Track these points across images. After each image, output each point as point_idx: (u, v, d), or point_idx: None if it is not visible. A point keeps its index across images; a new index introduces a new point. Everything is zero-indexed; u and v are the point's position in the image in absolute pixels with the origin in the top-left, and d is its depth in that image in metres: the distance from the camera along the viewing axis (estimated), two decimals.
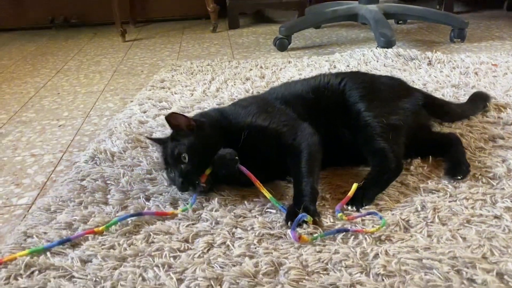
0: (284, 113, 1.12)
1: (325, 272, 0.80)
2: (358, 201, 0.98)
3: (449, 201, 0.99)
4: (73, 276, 0.83)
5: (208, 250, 0.88)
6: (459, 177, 1.04)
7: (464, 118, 1.37)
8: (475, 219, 0.92)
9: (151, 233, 0.92)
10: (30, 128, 1.56)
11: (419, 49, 2.11)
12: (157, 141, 1.16)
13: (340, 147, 1.12)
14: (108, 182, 1.14)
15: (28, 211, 1.08)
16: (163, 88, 1.81)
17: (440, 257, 0.81)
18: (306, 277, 0.79)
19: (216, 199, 1.03)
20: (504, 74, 1.74)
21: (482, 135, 1.26)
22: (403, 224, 0.92)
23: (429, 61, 1.90)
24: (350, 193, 0.99)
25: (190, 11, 3.23)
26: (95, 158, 1.26)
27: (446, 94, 1.57)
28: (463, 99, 1.50)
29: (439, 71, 1.80)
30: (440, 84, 1.67)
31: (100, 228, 0.93)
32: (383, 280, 0.77)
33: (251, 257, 0.84)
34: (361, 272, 0.79)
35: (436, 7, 2.96)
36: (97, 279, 0.81)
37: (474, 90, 1.55)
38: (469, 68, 1.82)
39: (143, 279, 0.81)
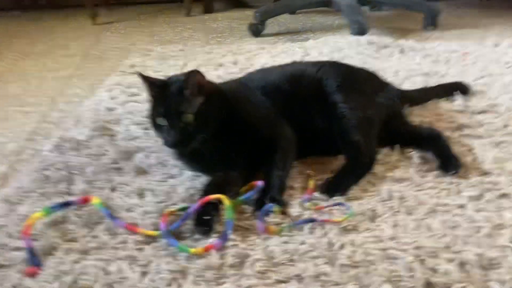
0: (264, 107, 1.11)
1: (291, 263, 0.80)
2: (331, 190, 0.98)
3: (416, 190, 1.00)
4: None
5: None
6: (453, 172, 1.03)
7: (429, 100, 1.39)
8: (440, 208, 0.93)
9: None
10: None
11: (393, 36, 2.11)
12: (152, 83, 1.04)
13: (314, 137, 1.12)
14: (73, 172, 1.11)
15: None
16: (133, 74, 1.76)
17: (404, 247, 0.82)
18: (272, 269, 0.79)
19: None
20: (474, 63, 1.76)
21: (450, 124, 1.27)
22: (370, 214, 0.92)
23: (401, 49, 1.90)
24: (312, 185, 1.00)
25: None
26: (61, 147, 1.22)
27: (417, 82, 1.58)
28: None
29: (411, 59, 1.81)
30: (411, 72, 1.67)
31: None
32: (347, 270, 0.78)
33: (217, 249, 0.84)
34: (327, 263, 0.79)
35: None
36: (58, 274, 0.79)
37: (445, 79, 1.57)
38: (440, 56, 1.83)
39: (106, 273, 0.79)
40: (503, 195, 0.96)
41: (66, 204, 0.93)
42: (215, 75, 1.70)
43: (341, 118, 1.10)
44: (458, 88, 1.44)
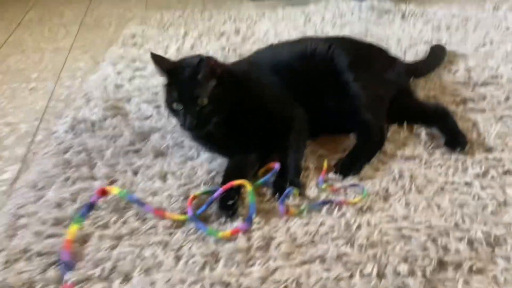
0: (276, 87, 1.13)
1: (312, 244, 0.87)
2: (345, 170, 1.03)
3: (425, 168, 1.05)
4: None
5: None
6: (459, 149, 1.08)
7: (431, 71, 1.44)
8: (448, 187, 0.99)
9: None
10: None
11: None
12: (163, 66, 1.05)
13: (326, 115, 1.15)
14: (92, 155, 1.14)
15: (12, 186, 1.07)
16: (135, 45, 1.75)
17: (417, 227, 0.88)
18: (296, 250, 0.85)
19: None
20: (475, 29, 1.78)
21: (454, 98, 1.31)
22: (383, 194, 0.98)
23: (403, 14, 1.91)
24: (325, 166, 1.04)
25: None
26: (75, 128, 1.24)
27: (420, 51, 1.60)
28: None
29: (412, 26, 1.82)
30: (413, 40, 1.69)
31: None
32: (366, 250, 0.84)
33: (243, 232, 0.89)
34: (346, 244, 0.86)
35: None
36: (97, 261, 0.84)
37: (447, 46, 1.60)
38: (441, 22, 1.84)
39: (142, 259, 0.85)
40: (507, 172, 1.02)
41: (91, 206, 0.95)
42: (218, 46, 1.70)
43: (352, 97, 1.13)
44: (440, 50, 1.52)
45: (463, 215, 0.91)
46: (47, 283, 0.80)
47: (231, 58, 1.59)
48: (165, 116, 1.27)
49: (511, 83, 1.37)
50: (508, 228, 0.87)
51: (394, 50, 1.59)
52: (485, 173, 1.02)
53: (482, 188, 0.98)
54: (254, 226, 0.90)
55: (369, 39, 1.56)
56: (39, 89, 1.52)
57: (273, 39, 1.72)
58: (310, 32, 1.79)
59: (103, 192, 0.96)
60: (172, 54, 1.65)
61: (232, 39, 1.76)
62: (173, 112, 1.04)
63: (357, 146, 1.10)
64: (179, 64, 1.06)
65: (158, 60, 1.05)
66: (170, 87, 1.04)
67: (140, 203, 0.95)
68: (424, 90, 1.35)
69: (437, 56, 1.51)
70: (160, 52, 1.65)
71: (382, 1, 2.01)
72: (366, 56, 1.23)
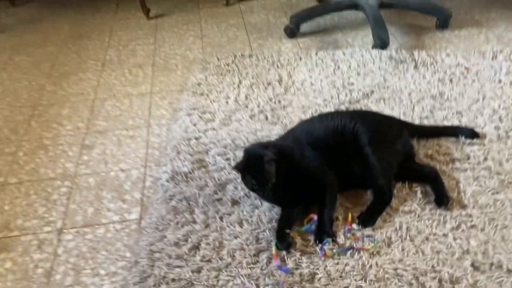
0: (317, 159, 1.61)
1: (340, 278, 1.39)
2: (364, 222, 1.54)
3: (417, 221, 1.55)
4: (192, 283, 1.41)
5: (268, 263, 1.45)
6: (443, 207, 1.57)
7: (431, 138, 1.86)
8: (431, 237, 1.49)
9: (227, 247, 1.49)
10: (108, 139, 2.03)
11: (409, 37, 2.53)
12: (243, 169, 1.55)
13: (350, 176, 1.64)
14: (190, 202, 1.67)
15: (140, 225, 1.62)
16: (202, 94, 2.24)
17: (407, 268, 1.40)
18: (330, 283, 1.38)
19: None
20: (473, 81, 2.20)
21: (445, 157, 1.78)
22: (387, 241, 1.49)
23: (415, 64, 2.33)
24: (350, 218, 1.55)
25: None
26: (174, 178, 1.77)
27: (425, 106, 2.05)
28: (439, 114, 1.99)
29: (422, 77, 2.25)
30: (422, 94, 2.13)
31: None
32: (374, 284, 1.37)
33: (296, 268, 1.42)
34: (362, 279, 1.38)
35: None
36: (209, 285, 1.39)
37: (449, 103, 2.04)
38: (446, 72, 2.27)
39: None
40: (473, 226, 1.51)
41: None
42: (266, 97, 2.18)
43: (371, 167, 1.61)
44: (463, 133, 1.86)
45: (438, 260, 1.41)
46: None
47: (277, 109, 2.09)
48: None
49: (492, 143, 1.83)
50: (465, 271, 1.38)
51: (405, 103, 2.06)
52: (457, 227, 1.51)
53: (454, 239, 1.47)
54: (304, 265, 1.43)
55: (386, 90, 2.03)
56: (136, 136, 2.04)
57: (309, 89, 2.21)
58: (339, 81, 2.25)
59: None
60: (232, 104, 2.14)
61: (276, 90, 2.24)
62: (252, 190, 1.58)
63: (373, 203, 1.59)
64: (248, 155, 1.56)
65: (240, 170, 1.56)
66: (246, 177, 1.54)
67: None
68: (424, 148, 1.82)
69: (447, 129, 1.90)
70: (222, 102, 2.16)
71: (399, 51, 2.43)
72: (382, 132, 1.69)
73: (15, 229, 1.64)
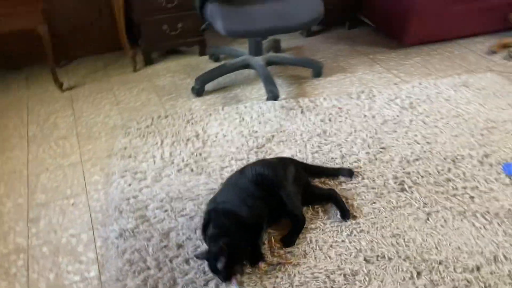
0: (250, 205, 1.99)
1: None
2: (287, 243, 1.98)
3: (322, 234, 2.04)
4: None
5: None
6: (346, 220, 2.08)
7: (319, 176, 2.39)
8: (334, 244, 1.99)
9: None
10: (51, 210, 2.24)
11: (293, 87, 3.12)
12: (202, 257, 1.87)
13: (276, 210, 2.07)
14: (141, 253, 1.98)
15: (101, 280, 1.88)
16: (130, 157, 2.56)
17: (320, 271, 1.87)
18: None
19: None
20: (345, 118, 2.83)
21: (334, 181, 2.32)
22: (303, 253, 1.95)
23: (302, 110, 2.91)
24: (273, 241, 1.99)
25: (104, 44, 3.73)
26: (122, 235, 2.06)
27: (314, 143, 2.60)
28: (325, 148, 2.54)
29: (308, 119, 2.82)
30: (310, 133, 2.69)
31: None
32: None
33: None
34: (289, 286, 1.81)
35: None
36: None
37: (331, 138, 2.61)
38: (325, 113, 2.87)
39: None
40: (361, 230, 2.04)
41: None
42: (188, 152, 2.57)
43: (286, 203, 2.07)
44: (343, 173, 2.40)
45: (341, 260, 1.91)
46: None
47: (199, 160, 2.48)
48: (173, 217, 2.14)
49: (365, 165, 2.42)
50: (361, 265, 1.88)
51: (299, 143, 2.60)
52: (351, 233, 2.03)
53: (350, 242, 1.99)
54: (245, 284, 1.83)
55: (284, 134, 2.56)
56: (77, 203, 2.28)
57: (223, 140, 2.64)
58: (245, 130, 2.73)
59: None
60: (159, 162, 2.49)
61: (195, 144, 2.64)
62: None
63: (292, 228, 2.05)
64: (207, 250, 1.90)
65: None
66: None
67: None
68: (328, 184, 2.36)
69: (331, 170, 2.42)
70: (150, 161, 2.50)
71: (288, 100, 2.99)
72: (286, 176, 2.16)
73: None
